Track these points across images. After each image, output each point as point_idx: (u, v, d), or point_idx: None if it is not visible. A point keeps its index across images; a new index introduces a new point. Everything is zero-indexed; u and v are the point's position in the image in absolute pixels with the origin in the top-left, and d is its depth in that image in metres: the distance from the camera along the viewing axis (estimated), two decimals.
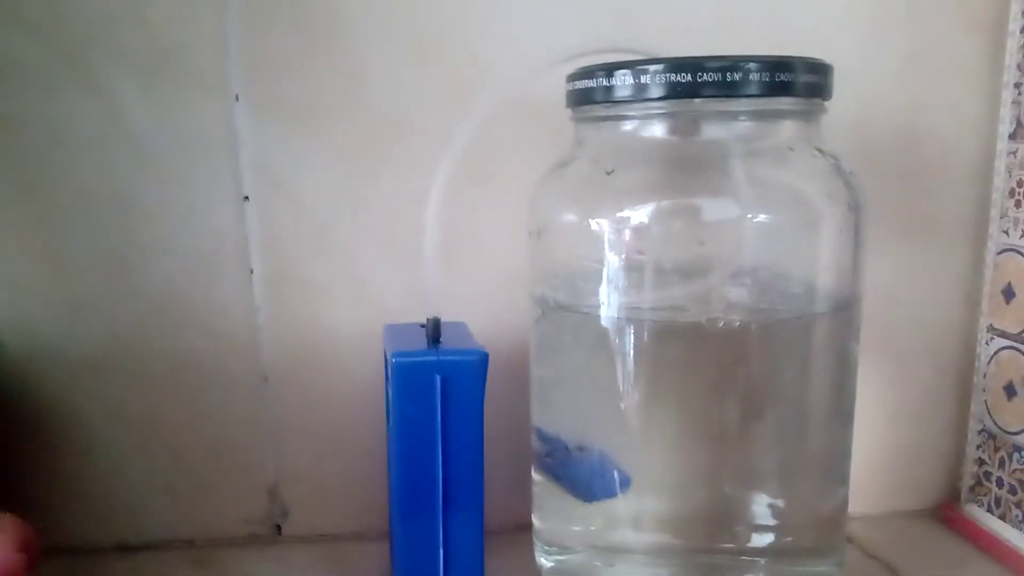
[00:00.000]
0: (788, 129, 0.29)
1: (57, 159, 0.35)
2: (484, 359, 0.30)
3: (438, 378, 0.30)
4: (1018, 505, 0.37)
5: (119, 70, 0.35)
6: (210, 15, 0.35)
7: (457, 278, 0.37)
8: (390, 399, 0.31)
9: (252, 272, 0.37)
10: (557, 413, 0.32)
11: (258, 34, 0.35)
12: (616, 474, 0.30)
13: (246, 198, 0.36)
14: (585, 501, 0.32)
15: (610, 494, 0.31)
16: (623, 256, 0.29)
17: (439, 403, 0.30)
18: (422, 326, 0.32)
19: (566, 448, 0.31)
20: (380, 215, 0.37)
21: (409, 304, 0.36)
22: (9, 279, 0.36)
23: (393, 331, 0.34)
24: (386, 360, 0.33)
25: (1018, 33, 0.36)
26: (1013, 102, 0.36)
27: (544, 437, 0.32)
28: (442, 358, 0.30)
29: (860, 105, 0.37)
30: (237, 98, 0.35)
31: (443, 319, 0.32)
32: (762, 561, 0.31)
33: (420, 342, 0.31)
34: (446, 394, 0.30)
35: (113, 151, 0.35)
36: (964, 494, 0.40)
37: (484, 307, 0.36)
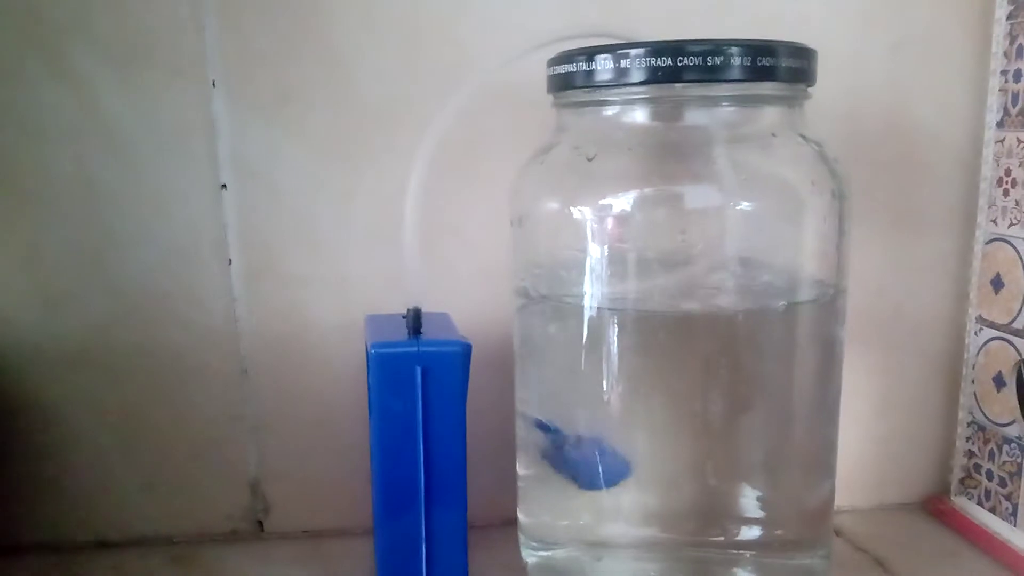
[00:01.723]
0: (771, 115, 0.29)
1: (31, 150, 0.35)
2: (466, 350, 0.30)
3: (419, 370, 0.29)
4: (1008, 497, 0.37)
5: (94, 58, 0.34)
6: (187, 1, 0.34)
7: (440, 268, 0.37)
8: (372, 391, 0.31)
9: (230, 263, 0.36)
10: (544, 402, 0.32)
11: (236, 21, 0.34)
12: (614, 461, 0.30)
13: (224, 187, 0.36)
14: (583, 488, 0.31)
15: (612, 482, 0.30)
16: (605, 245, 0.28)
17: (420, 395, 0.29)
18: (404, 316, 0.32)
19: (564, 437, 0.31)
20: (361, 205, 0.36)
21: (391, 295, 0.35)
22: None
23: (375, 322, 0.33)
24: (367, 352, 0.32)
25: (1004, 20, 0.36)
26: (1000, 90, 0.36)
27: (541, 427, 0.32)
28: (423, 349, 0.29)
29: (848, 93, 0.37)
30: (214, 85, 0.35)
31: (426, 310, 0.31)
32: (749, 554, 0.30)
33: (401, 333, 0.31)
34: (427, 386, 0.29)
35: (88, 141, 0.35)
36: (954, 486, 0.40)
37: (467, 298, 0.36)
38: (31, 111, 0.34)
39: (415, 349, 0.29)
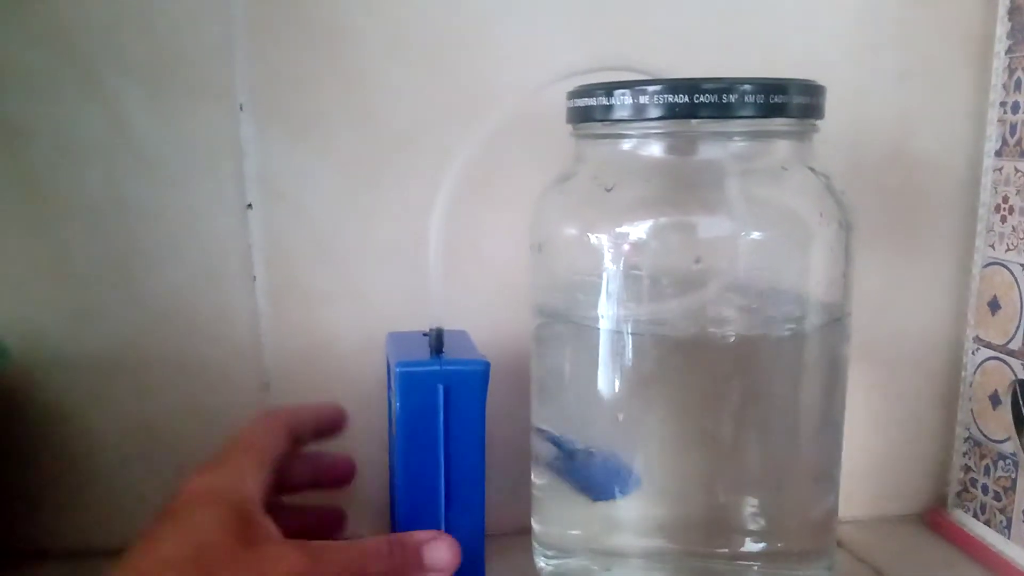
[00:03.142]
0: (782, 149, 0.30)
1: (63, 167, 0.36)
2: (486, 369, 0.31)
3: (441, 388, 0.30)
4: (1003, 511, 0.38)
5: (125, 79, 0.35)
6: (216, 24, 0.35)
7: (459, 288, 0.38)
8: (393, 408, 0.32)
9: (255, 280, 0.37)
10: (558, 420, 0.33)
11: (264, 44, 0.35)
12: (623, 473, 0.31)
13: (249, 206, 0.37)
14: (595, 500, 0.32)
15: (623, 492, 0.31)
16: (621, 270, 0.29)
17: (442, 412, 0.30)
18: (425, 334, 0.33)
19: (576, 450, 0.32)
20: (383, 226, 0.37)
21: (411, 313, 0.36)
22: (14, 285, 0.36)
23: (396, 339, 0.34)
24: (388, 368, 0.33)
25: (1003, 54, 0.37)
26: (999, 120, 0.37)
27: (553, 440, 0.33)
28: (445, 368, 0.30)
29: (851, 123, 0.38)
30: (242, 108, 0.36)
31: (446, 327, 0.32)
32: (755, 565, 0.31)
33: (423, 351, 0.32)
34: (449, 403, 0.30)
35: (118, 159, 0.36)
36: (951, 500, 0.41)
37: (485, 316, 0.37)
38: (64, 129, 0.35)
39: (438, 368, 0.30)
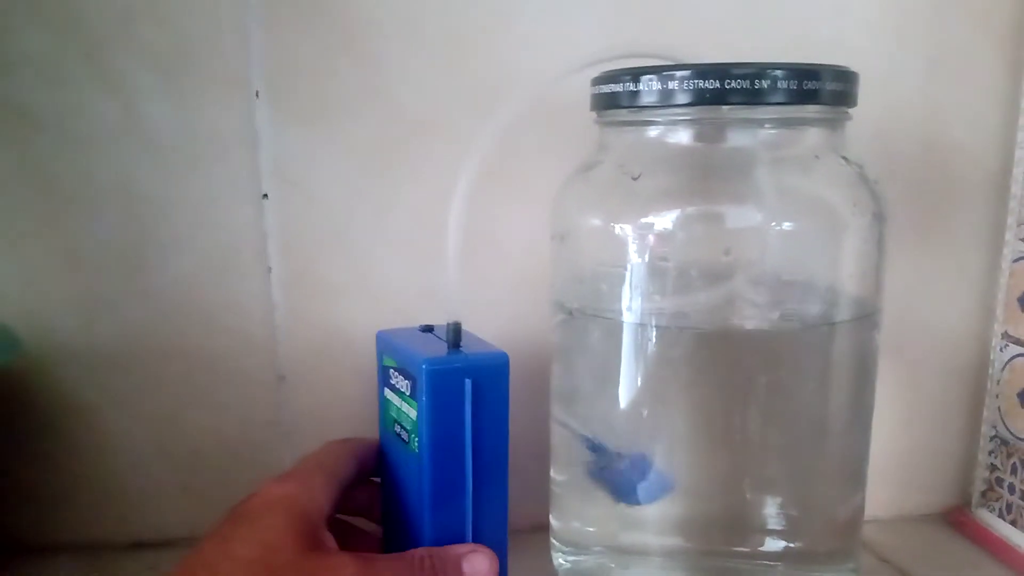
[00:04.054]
0: (814, 137, 0.29)
1: (74, 156, 0.35)
2: (507, 360, 0.30)
3: (468, 382, 0.30)
4: None
5: (138, 66, 0.35)
6: (231, 11, 0.34)
7: (477, 281, 0.37)
8: (393, 407, 0.31)
9: (270, 271, 0.37)
10: (581, 416, 0.32)
11: (280, 31, 0.35)
12: (659, 477, 0.30)
13: (265, 196, 0.36)
14: (629, 504, 0.31)
15: (655, 497, 0.31)
16: (647, 262, 0.29)
17: (469, 407, 0.30)
18: (422, 330, 0.32)
19: (608, 454, 0.31)
20: (399, 217, 0.37)
21: (426, 306, 0.36)
22: (26, 277, 0.36)
23: (393, 336, 0.33)
24: (381, 367, 0.33)
25: None
26: None
27: (588, 444, 0.32)
28: (471, 362, 0.30)
29: (881, 112, 0.37)
30: (257, 95, 0.35)
31: (451, 322, 0.32)
32: (778, 566, 0.31)
33: (436, 347, 0.31)
34: (476, 397, 0.30)
35: (131, 148, 0.35)
36: (975, 499, 0.41)
37: (503, 310, 0.36)
38: (75, 118, 0.35)
39: (464, 363, 0.30)
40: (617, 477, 0.31)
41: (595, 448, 0.32)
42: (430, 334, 0.32)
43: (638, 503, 0.31)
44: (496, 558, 0.30)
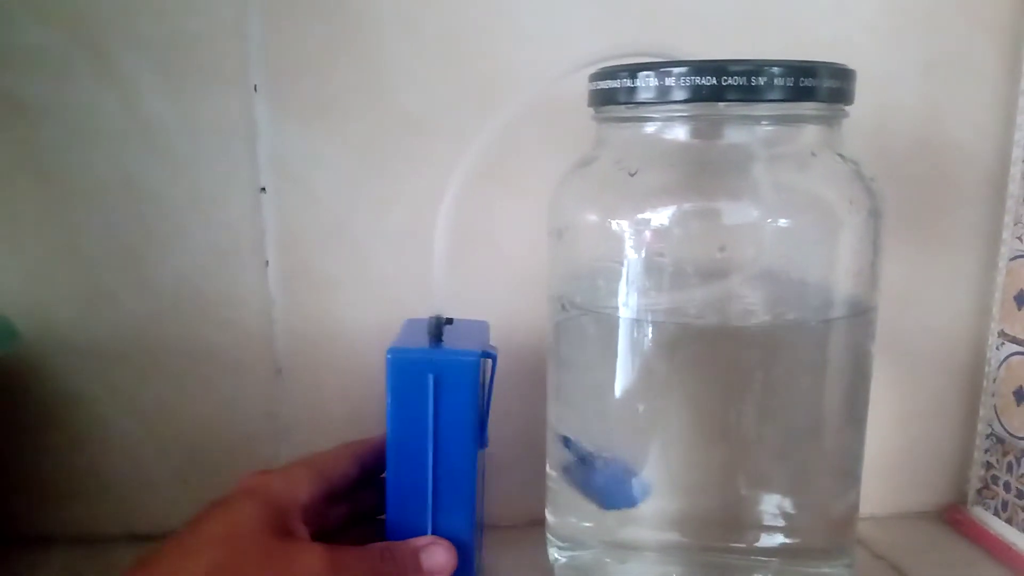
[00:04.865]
0: (810, 134, 0.29)
1: (74, 149, 0.35)
2: (477, 362, 0.30)
3: (431, 377, 0.30)
4: None
5: (138, 60, 0.35)
6: (230, 6, 0.34)
7: (474, 276, 0.37)
8: (387, 396, 0.31)
9: (268, 264, 0.37)
10: (574, 413, 0.33)
11: (279, 26, 0.35)
12: (636, 484, 0.31)
13: (263, 190, 0.36)
14: (604, 509, 0.32)
15: (627, 504, 0.31)
16: (644, 257, 0.29)
17: (431, 401, 0.30)
18: (447, 321, 0.32)
19: (589, 455, 0.31)
20: (397, 212, 0.37)
21: (425, 300, 0.36)
22: (26, 269, 0.36)
23: (409, 326, 0.34)
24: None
25: None
26: None
27: (567, 444, 0.32)
28: (436, 357, 0.30)
29: (879, 110, 0.37)
30: (256, 90, 0.35)
31: (467, 318, 0.32)
32: (773, 561, 0.31)
33: (420, 340, 0.31)
34: (439, 393, 0.30)
35: (131, 141, 0.35)
36: (971, 497, 0.41)
37: (500, 306, 0.37)
38: (75, 111, 0.35)
39: (428, 357, 0.30)
40: (594, 481, 0.32)
41: (576, 449, 0.32)
42: (445, 327, 0.32)
43: (610, 508, 0.31)
44: (453, 550, 0.30)
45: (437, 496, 0.31)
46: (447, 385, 0.30)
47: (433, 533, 0.31)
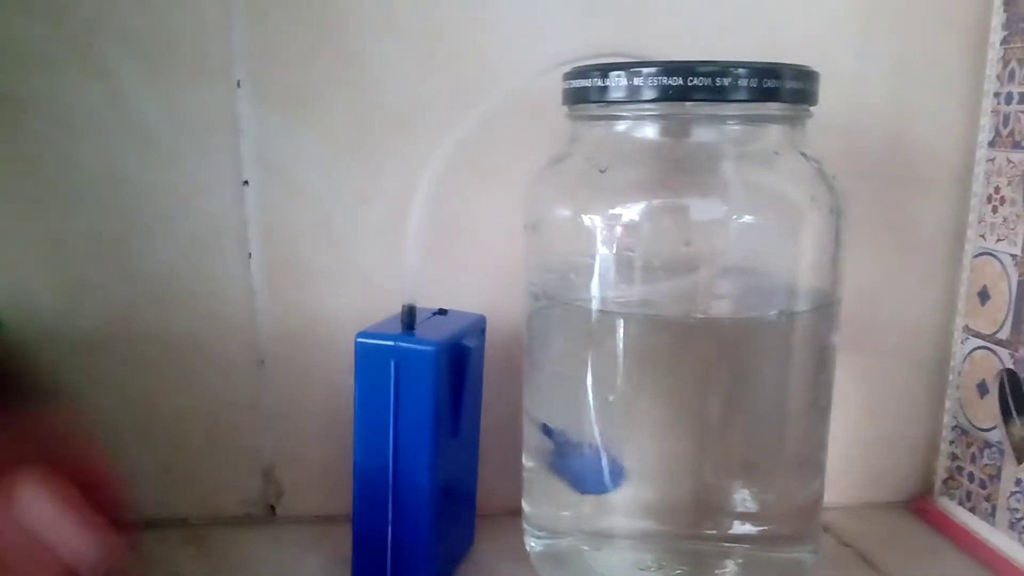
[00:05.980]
0: (775, 133, 0.30)
1: (59, 142, 0.36)
2: (435, 352, 0.31)
3: (392, 363, 0.30)
4: (987, 499, 0.38)
5: (122, 54, 0.35)
6: (214, 2, 0.35)
7: (453, 269, 0.38)
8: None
9: (251, 256, 0.38)
10: (549, 403, 0.33)
11: (262, 21, 0.35)
12: (610, 470, 0.31)
13: (246, 183, 0.37)
14: (580, 493, 0.32)
15: (603, 489, 0.32)
16: (614, 252, 0.30)
17: (393, 388, 0.31)
18: (435, 313, 0.33)
19: (565, 442, 0.32)
20: (378, 203, 0.38)
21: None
22: (9, 260, 0.36)
23: (398, 315, 0.34)
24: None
25: (998, 45, 0.37)
26: (992, 111, 0.38)
27: (546, 431, 0.33)
28: (398, 344, 0.31)
29: (848, 110, 0.38)
30: (239, 84, 0.36)
31: (461, 309, 0.33)
32: (742, 547, 0.32)
33: (395, 326, 0.32)
34: (399, 380, 0.31)
35: (115, 135, 0.36)
36: (937, 487, 0.42)
37: (479, 298, 0.37)
38: (59, 105, 0.35)
39: (391, 344, 0.31)
40: (572, 466, 0.32)
41: (550, 433, 0.33)
42: (434, 317, 0.33)
43: (587, 492, 0.32)
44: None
45: (396, 476, 0.31)
46: (408, 373, 0.31)
47: (392, 517, 0.32)
